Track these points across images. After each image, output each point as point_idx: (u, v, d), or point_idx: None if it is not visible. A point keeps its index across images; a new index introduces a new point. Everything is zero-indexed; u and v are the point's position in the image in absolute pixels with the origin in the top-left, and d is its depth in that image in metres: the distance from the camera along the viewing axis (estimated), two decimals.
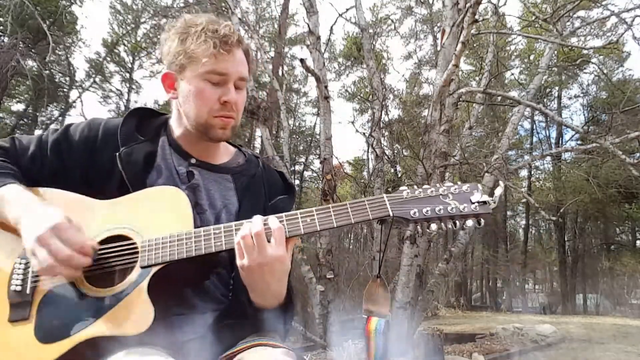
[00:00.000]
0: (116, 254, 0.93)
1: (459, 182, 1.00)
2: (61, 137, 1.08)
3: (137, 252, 0.92)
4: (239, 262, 0.93)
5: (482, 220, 0.97)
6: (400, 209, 0.96)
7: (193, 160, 1.12)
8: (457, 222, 0.97)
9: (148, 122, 1.16)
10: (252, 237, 0.91)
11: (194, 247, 0.92)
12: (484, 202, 0.95)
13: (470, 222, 0.96)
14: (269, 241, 0.92)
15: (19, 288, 0.90)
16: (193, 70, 1.03)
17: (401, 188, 0.99)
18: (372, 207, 0.96)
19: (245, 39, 1.10)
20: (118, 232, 0.95)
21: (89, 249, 0.90)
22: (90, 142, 1.07)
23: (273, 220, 0.95)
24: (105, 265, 0.93)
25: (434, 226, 0.96)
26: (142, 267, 0.90)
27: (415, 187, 0.99)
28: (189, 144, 1.13)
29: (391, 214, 0.95)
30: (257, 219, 0.94)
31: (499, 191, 0.95)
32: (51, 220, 0.89)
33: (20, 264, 0.93)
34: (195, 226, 0.97)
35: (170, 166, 1.10)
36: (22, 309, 0.88)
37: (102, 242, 0.95)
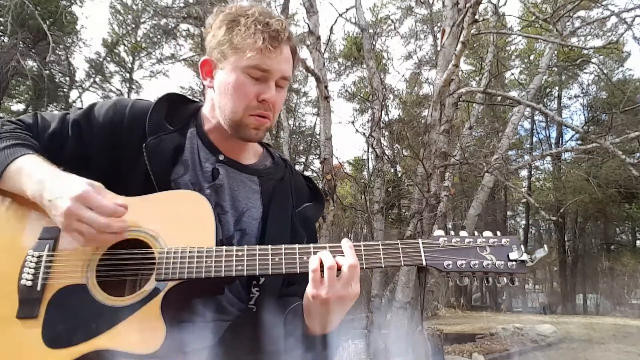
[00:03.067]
0: (133, 261, 0.89)
1: (498, 234, 0.95)
2: (82, 118, 1.01)
3: (154, 262, 0.87)
4: (313, 291, 0.87)
5: (516, 281, 0.94)
6: (434, 259, 0.92)
7: (221, 157, 1.06)
8: (490, 278, 0.94)
9: (179, 109, 1.09)
10: (347, 269, 0.86)
11: (213, 268, 0.87)
12: (522, 261, 0.91)
13: (503, 280, 0.94)
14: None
15: (29, 283, 0.86)
16: (235, 62, 0.97)
17: (437, 232, 0.95)
18: (405, 252, 0.92)
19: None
20: (136, 236, 0.90)
21: (121, 211, 0.87)
22: (114, 126, 1.00)
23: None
24: (120, 273, 0.89)
25: (466, 279, 0.94)
26: (157, 281, 0.86)
27: (452, 232, 0.95)
28: (220, 139, 1.06)
29: (424, 263, 0.91)
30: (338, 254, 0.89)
31: (540, 253, 0.91)
32: (76, 189, 0.83)
33: (33, 256, 0.88)
34: (218, 232, 0.93)
35: (195, 161, 1.04)
36: (31, 306, 0.85)
37: (119, 246, 0.90)
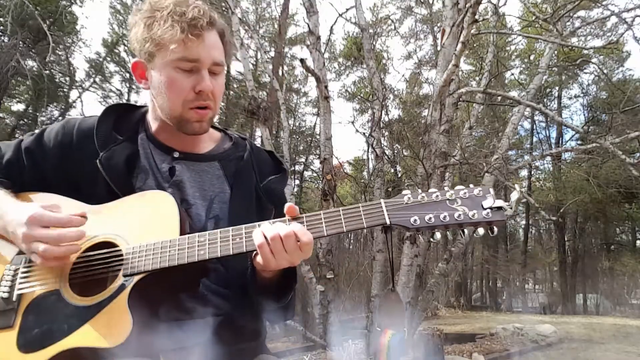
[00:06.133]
0: (102, 261, 0.91)
1: (471, 185, 0.89)
2: (34, 145, 1.03)
3: (122, 260, 0.90)
4: (263, 262, 0.89)
5: (495, 229, 0.87)
6: (399, 216, 0.86)
7: (176, 154, 1.06)
8: (466, 230, 0.88)
9: (126, 118, 1.09)
10: (281, 240, 0.85)
11: (177, 256, 0.88)
12: (499, 208, 0.84)
13: (481, 231, 0.87)
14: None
15: (5, 295, 0.90)
16: (162, 58, 0.95)
17: (404, 192, 0.89)
18: (367, 214, 0.87)
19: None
20: (105, 239, 0.93)
21: (76, 220, 0.88)
22: (65, 148, 1.02)
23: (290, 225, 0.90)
24: (91, 273, 0.91)
25: (438, 235, 0.87)
26: (125, 276, 0.88)
27: (419, 190, 0.89)
28: (169, 137, 1.07)
29: (388, 222, 0.86)
30: (269, 225, 0.89)
31: (515, 196, 0.84)
32: (24, 215, 0.86)
33: (10, 270, 0.92)
34: (184, 226, 0.94)
35: (152, 164, 1.05)
36: (7, 317, 0.88)
37: (89, 249, 0.93)
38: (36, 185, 1.01)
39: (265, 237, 0.86)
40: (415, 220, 0.86)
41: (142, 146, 1.06)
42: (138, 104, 1.14)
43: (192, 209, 1.03)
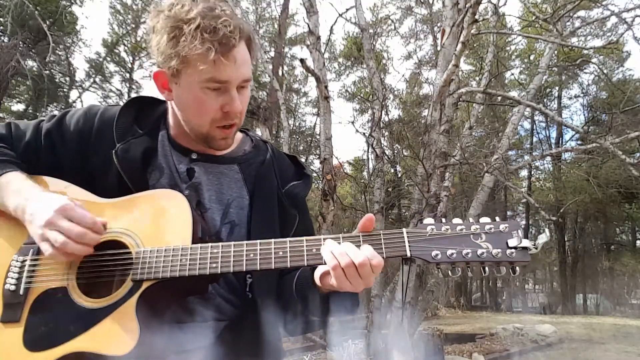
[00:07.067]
0: (110, 262, 0.89)
1: (497, 219, 0.86)
2: (54, 128, 1.01)
3: (131, 262, 0.88)
4: (336, 284, 0.83)
5: (518, 269, 0.84)
6: (420, 249, 0.83)
7: (194, 156, 1.03)
8: (487, 268, 0.85)
9: (148, 112, 1.07)
10: (355, 266, 0.80)
11: (187, 266, 0.85)
12: (524, 248, 0.82)
13: (503, 269, 0.84)
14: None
15: (12, 288, 0.88)
16: (189, 76, 0.90)
17: (426, 221, 0.87)
18: (387, 244, 0.84)
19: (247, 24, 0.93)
20: (115, 238, 0.91)
21: (100, 227, 0.87)
22: (84, 135, 1.00)
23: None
24: (99, 274, 0.89)
25: (458, 270, 0.85)
26: (133, 281, 0.86)
27: (443, 221, 0.87)
28: (190, 141, 1.04)
29: (409, 255, 0.83)
30: (360, 250, 0.82)
31: (543, 239, 0.82)
32: (57, 202, 0.85)
33: (17, 261, 0.90)
34: (196, 229, 0.91)
35: (170, 164, 1.02)
36: (13, 311, 0.86)
37: (98, 247, 0.90)
38: (50, 170, 0.99)
39: (339, 262, 0.81)
40: (436, 254, 0.83)
41: (161, 143, 1.04)
42: (162, 98, 1.09)
43: (208, 213, 1.00)
